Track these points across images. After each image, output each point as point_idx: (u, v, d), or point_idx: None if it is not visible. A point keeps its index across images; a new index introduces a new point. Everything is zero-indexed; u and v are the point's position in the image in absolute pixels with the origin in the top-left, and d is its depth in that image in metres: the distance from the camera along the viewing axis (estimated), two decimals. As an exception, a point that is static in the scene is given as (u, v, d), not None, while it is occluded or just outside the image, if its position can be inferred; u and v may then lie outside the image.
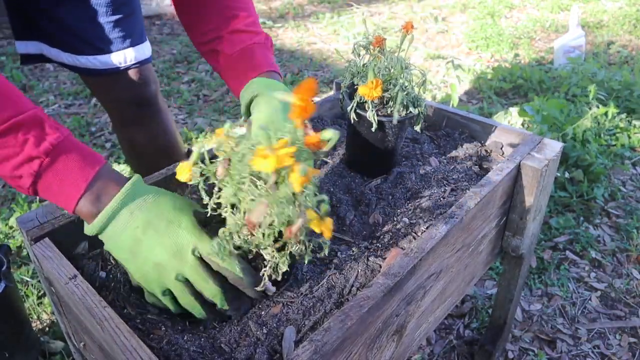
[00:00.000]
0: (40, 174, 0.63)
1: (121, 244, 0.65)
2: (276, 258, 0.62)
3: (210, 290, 0.64)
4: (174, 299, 0.66)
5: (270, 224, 0.58)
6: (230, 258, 0.64)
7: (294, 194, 0.55)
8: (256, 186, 0.57)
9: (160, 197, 0.67)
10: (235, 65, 0.91)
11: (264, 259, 0.63)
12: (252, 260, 0.66)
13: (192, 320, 0.69)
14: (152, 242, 0.64)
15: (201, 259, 0.64)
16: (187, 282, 0.64)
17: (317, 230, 0.55)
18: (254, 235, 0.59)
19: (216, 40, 0.93)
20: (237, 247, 0.62)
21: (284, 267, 0.62)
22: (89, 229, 0.66)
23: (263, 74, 0.87)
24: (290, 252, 0.62)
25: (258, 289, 0.65)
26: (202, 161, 0.63)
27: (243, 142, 0.59)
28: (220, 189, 0.62)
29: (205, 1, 0.92)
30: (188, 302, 0.65)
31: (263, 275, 0.63)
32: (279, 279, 0.64)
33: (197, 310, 0.66)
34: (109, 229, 0.65)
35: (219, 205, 0.63)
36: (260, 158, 0.51)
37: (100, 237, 0.67)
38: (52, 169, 0.63)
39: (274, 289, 0.68)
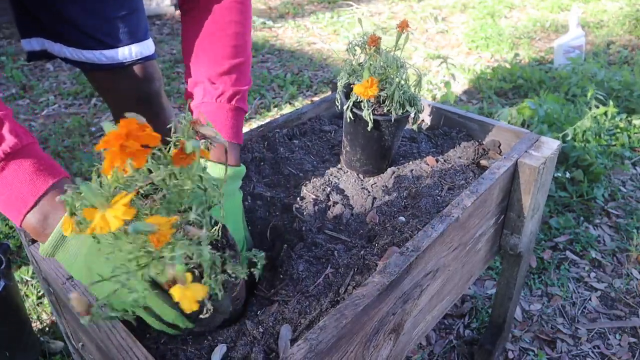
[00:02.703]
0: None
1: (76, 272, 0.61)
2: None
3: (168, 314, 0.58)
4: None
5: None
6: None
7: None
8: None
9: None
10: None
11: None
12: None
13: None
14: (101, 268, 0.57)
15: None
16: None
17: (178, 299, 0.45)
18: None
19: (186, 85, 0.89)
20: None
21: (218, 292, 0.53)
22: (41, 251, 0.62)
23: None
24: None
25: (202, 316, 0.54)
26: None
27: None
28: None
29: (193, 43, 0.87)
30: (157, 324, 0.60)
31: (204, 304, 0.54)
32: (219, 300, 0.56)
33: (169, 330, 0.61)
34: (60, 255, 0.61)
35: None
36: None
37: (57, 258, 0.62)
38: (0, 177, 0.58)
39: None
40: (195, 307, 0.43)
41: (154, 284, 0.53)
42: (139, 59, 1.14)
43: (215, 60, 0.84)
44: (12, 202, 0.59)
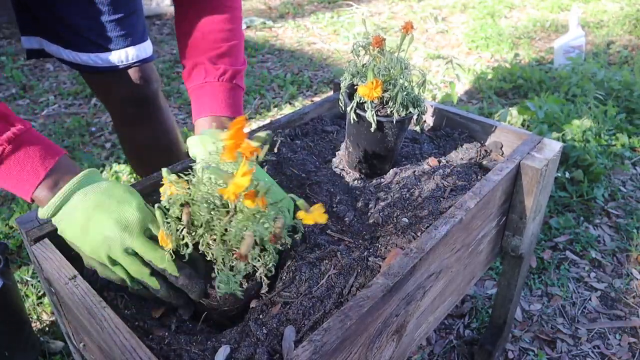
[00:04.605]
0: (1, 161, 0.66)
1: (73, 221, 0.67)
2: (265, 258, 0.65)
3: (160, 257, 0.65)
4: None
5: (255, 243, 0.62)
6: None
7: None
8: (226, 213, 0.62)
9: (113, 184, 0.70)
10: (192, 101, 0.96)
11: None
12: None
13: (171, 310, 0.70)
14: (102, 218, 0.66)
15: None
16: (136, 255, 0.66)
17: (311, 223, 0.60)
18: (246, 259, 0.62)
19: (184, 68, 0.97)
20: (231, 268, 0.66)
21: (270, 264, 0.66)
22: (43, 211, 0.69)
23: (203, 118, 0.90)
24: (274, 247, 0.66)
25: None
26: (166, 213, 0.66)
27: (195, 186, 0.64)
28: (189, 232, 0.65)
29: (190, 27, 0.94)
30: (138, 271, 0.66)
31: (260, 277, 0.66)
32: (272, 272, 0.68)
33: (151, 280, 0.67)
34: (63, 209, 0.68)
35: (196, 244, 0.66)
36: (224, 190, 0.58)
37: (53, 220, 0.69)
38: (14, 156, 0.67)
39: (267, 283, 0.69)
40: (323, 219, 0.60)
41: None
42: (135, 62, 1.14)
43: (214, 42, 0.93)
44: (23, 177, 0.67)
